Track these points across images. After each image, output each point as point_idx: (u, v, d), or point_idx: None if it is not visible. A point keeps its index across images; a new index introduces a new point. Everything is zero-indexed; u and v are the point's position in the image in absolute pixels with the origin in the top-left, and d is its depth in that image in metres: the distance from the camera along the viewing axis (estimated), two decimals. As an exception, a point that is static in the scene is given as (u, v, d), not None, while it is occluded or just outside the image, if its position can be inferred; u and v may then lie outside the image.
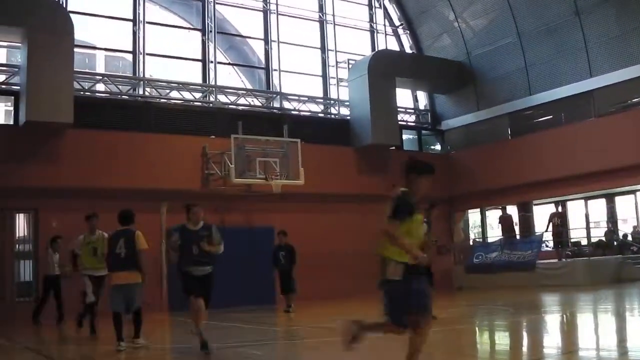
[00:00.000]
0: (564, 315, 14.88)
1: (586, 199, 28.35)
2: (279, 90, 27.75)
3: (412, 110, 31.91)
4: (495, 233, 29.80)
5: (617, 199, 28.18)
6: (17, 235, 20.95)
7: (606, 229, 28.30)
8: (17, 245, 20.88)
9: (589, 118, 25.85)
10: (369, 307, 17.13)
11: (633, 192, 27.07)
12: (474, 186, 28.38)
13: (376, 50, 30.19)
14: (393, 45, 31.41)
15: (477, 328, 13.31)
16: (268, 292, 23.19)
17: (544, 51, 27.19)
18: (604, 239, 27.75)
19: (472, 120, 30.24)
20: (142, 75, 24.64)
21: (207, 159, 23.29)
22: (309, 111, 28.53)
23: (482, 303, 19.58)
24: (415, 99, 32.12)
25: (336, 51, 29.34)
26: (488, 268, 26.25)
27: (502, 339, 11.72)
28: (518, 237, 28.40)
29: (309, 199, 24.87)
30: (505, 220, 28.35)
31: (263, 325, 16.84)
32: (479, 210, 31.15)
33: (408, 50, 31.79)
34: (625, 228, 28.35)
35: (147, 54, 24.82)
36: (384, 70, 27.43)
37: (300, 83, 28.81)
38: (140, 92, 24.55)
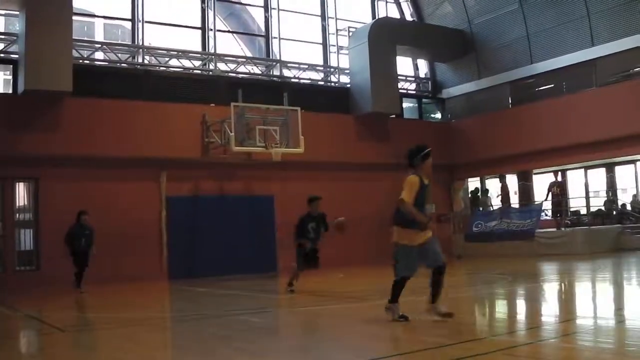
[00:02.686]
0: (562, 284, 14.93)
1: (586, 168, 28.36)
2: (278, 58, 27.62)
3: (413, 79, 31.81)
4: (495, 202, 29.86)
5: (617, 168, 28.21)
6: (18, 204, 20.97)
7: (606, 198, 28.34)
8: (17, 214, 20.91)
9: (590, 87, 25.76)
10: (366, 274, 17.13)
11: (633, 161, 27.09)
12: (474, 155, 28.39)
13: (377, 18, 30.00)
14: (394, 13, 31.23)
15: (475, 296, 13.35)
16: (269, 260, 23.29)
17: (546, 19, 27.04)
18: (603, 208, 27.80)
19: (473, 88, 30.16)
20: (141, 43, 24.51)
21: (207, 127, 23.26)
22: (309, 79, 28.44)
23: (480, 271, 19.64)
24: (416, 67, 32.00)
25: (336, 19, 29.18)
26: (487, 237, 26.30)
27: (500, 307, 11.77)
28: (517, 206, 28.45)
29: (309, 167, 24.88)
30: (502, 190, 28.48)
31: (263, 293, 16.90)
32: (478, 179, 31.15)
33: (409, 18, 31.61)
34: (624, 197, 28.39)
35: (146, 22, 24.69)
36: (384, 38, 27.30)
37: (300, 51, 28.67)
38: (140, 60, 24.45)
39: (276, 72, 27.51)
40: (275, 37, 27.70)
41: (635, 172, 27.61)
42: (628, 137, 23.15)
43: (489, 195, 30.17)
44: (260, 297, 15.79)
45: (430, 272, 8.98)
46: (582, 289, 14.18)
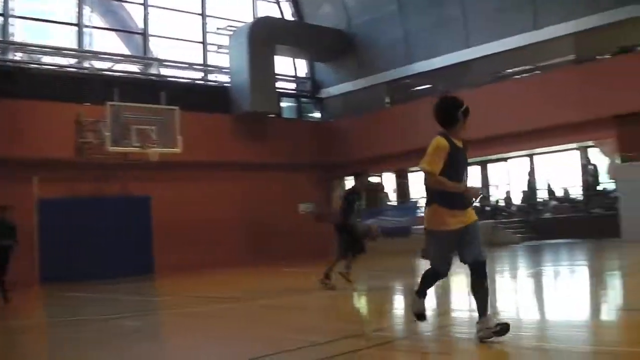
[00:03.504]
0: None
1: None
2: (156, 56, 27.18)
3: (292, 78, 31.94)
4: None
5: (490, 166, 29.14)
6: None
7: (480, 195, 29.21)
8: None
9: (465, 88, 26.46)
10: (244, 274, 16.95)
11: (505, 159, 28.05)
12: (352, 154, 28.69)
13: (257, 17, 29.94)
14: (275, 12, 31.23)
15: (353, 293, 13.50)
16: (145, 262, 22.87)
17: (424, 21, 27.65)
18: (477, 204, 28.66)
19: (352, 88, 30.54)
20: (12, 39, 23.60)
21: (81, 127, 22.59)
22: (188, 78, 28.11)
23: (358, 269, 19.86)
24: (295, 67, 32.12)
25: (216, 17, 28.96)
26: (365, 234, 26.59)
27: (379, 304, 11.93)
28: (395, 203, 28.97)
29: (187, 168, 24.63)
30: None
31: (139, 295, 16.58)
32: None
33: (289, 17, 31.69)
34: (497, 194, 29.36)
35: (17, 17, 23.76)
36: (264, 38, 27.28)
37: (179, 49, 28.30)
38: (11, 57, 23.53)
39: (154, 71, 27.06)
40: (153, 35, 27.25)
41: (508, 170, 28.67)
42: (501, 136, 23.92)
43: (384, 191, 30.59)
44: (135, 300, 15.46)
45: (468, 272, 7.07)
46: (456, 283, 14.54)
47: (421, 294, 7.33)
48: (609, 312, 9.11)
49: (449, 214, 6.71)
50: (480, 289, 6.82)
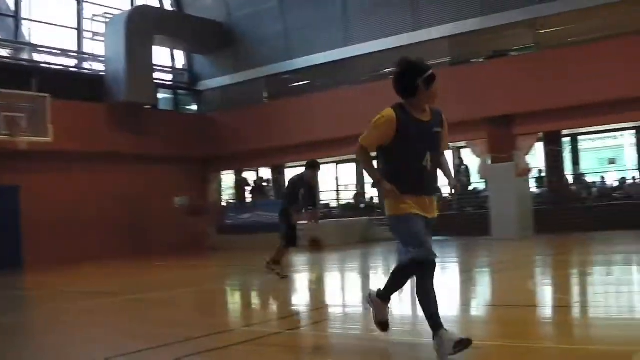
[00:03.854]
0: (314, 274, 15.38)
1: (337, 163, 29.49)
2: (29, 41, 26.18)
3: (170, 69, 31.42)
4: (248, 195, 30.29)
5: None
6: None
7: (355, 192, 29.63)
8: None
9: (344, 85, 26.76)
10: (118, 268, 16.63)
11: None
12: (229, 148, 28.54)
13: (135, 5, 29.29)
14: (153, 2, 30.61)
15: (228, 288, 13.43)
16: (13, 255, 22.03)
17: (304, 17, 27.70)
18: (352, 201, 29.07)
19: (230, 82, 30.32)
20: None
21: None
22: (61, 65, 27.20)
23: (235, 264, 19.81)
24: (173, 58, 31.62)
25: (93, 4, 28.13)
26: (241, 229, 26.54)
27: (253, 299, 11.90)
28: (272, 198, 29.01)
29: (59, 158, 23.80)
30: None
31: (4, 290, 15.91)
32: (233, 172, 31.44)
33: (169, 7, 31.15)
34: (372, 191, 29.82)
35: None
36: (142, 27, 26.71)
37: (52, 35, 27.31)
38: None
39: (25, 56, 26.04)
40: (25, 19, 26.20)
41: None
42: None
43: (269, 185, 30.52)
44: (6, 296, 14.84)
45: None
46: (332, 279, 14.70)
47: (385, 297, 6.30)
48: (478, 307, 9.36)
49: (408, 197, 5.70)
50: (425, 295, 5.80)
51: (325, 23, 27.14)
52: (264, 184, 30.42)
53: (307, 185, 13.06)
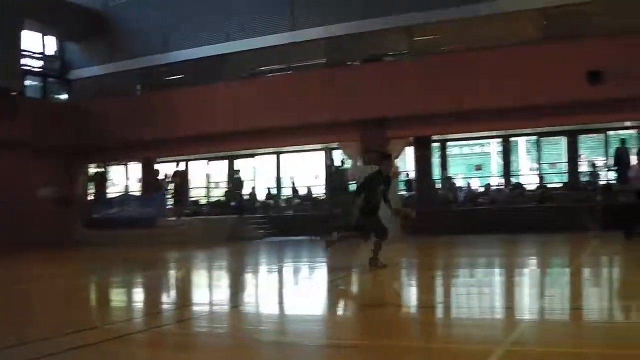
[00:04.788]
0: (180, 272, 15.17)
1: (208, 159, 29.23)
2: None
3: (40, 56, 30.25)
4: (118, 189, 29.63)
5: (237, 161, 29.45)
6: None
7: (226, 189, 29.46)
8: None
9: (221, 81, 26.48)
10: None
11: (252, 155, 28.48)
12: (100, 139, 27.67)
13: (3, -13, 28.05)
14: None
15: (92, 284, 13.06)
16: None
17: (184, 10, 27.26)
18: (223, 198, 28.87)
19: (104, 71, 29.46)
20: None
21: None
22: None
23: (100, 259, 19.31)
24: (44, 44, 30.47)
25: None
26: (109, 224, 25.93)
27: (119, 296, 11.61)
28: (140, 193, 28.50)
29: None
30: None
31: None
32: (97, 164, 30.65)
33: (40, -10, 29.95)
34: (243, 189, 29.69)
35: None
36: (10, 10, 25.58)
37: None
38: None
39: None
40: None
41: (255, 166, 29.16)
42: (248, 132, 24.20)
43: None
44: None
45: None
46: (199, 277, 14.52)
47: None
48: (346, 307, 9.43)
49: None
50: None
51: (205, 18, 26.81)
52: (162, 177, 29.59)
53: (386, 179, 12.75)
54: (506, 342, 6.06)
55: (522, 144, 28.07)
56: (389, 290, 10.60)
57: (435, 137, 25.92)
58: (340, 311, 9.09)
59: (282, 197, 29.14)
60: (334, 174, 25.93)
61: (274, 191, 29.46)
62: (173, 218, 25.73)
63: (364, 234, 12.84)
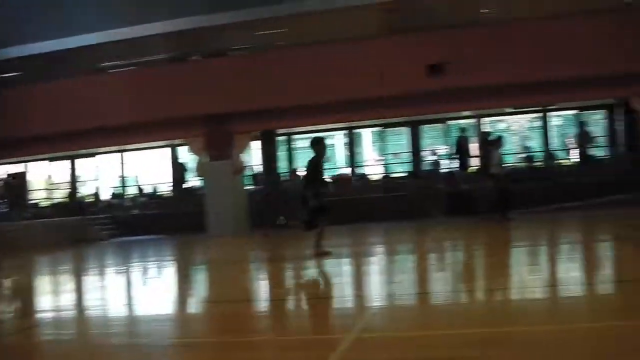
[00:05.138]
0: (20, 278, 14.47)
1: (50, 160, 28.13)
2: None
3: None
4: None
5: (79, 161, 28.49)
6: None
7: (69, 190, 28.46)
8: None
9: (61, 78, 25.36)
10: None
11: (93, 154, 27.61)
12: None
13: None
14: None
15: None
16: None
17: (18, 4, 25.89)
18: (66, 200, 27.86)
19: None
20: None
21: None
22: None
23: None
24: None
25: None
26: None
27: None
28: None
29: None
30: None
31: None
32: None
33: None
34: (85, 190, 28.84)
35: None
36: None
37: None
38: None
39: None
40: None
41: (97, 166, 28.29)
42: (93, 130, 23.33)
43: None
44: None
45: None
46: (39, 283, 13.87)
47: None
48: (196, 304, 9.27)
49: None
50: None
51: (43, 12, 25.55)
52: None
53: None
54: (355, 329, 6.06)
55: (367, 135, 28.62)
56: (238, 285, 10.45)
57: (280, 131, 25.99)
58: (189, 309, 8.87)
59: (127, 196, 28.42)
60: (180, 171, 25.59)
61: (118, 190, 28.68)
62: (11, 222, 24.55)
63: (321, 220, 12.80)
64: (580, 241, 14.39)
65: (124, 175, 29.03)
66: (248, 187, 24.78)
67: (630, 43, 19.45)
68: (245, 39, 24.70)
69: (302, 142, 29.14)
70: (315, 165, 12.83)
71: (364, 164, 28.05)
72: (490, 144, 20.11)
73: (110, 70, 25.70)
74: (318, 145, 13.09)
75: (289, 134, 27.22)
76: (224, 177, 21.88)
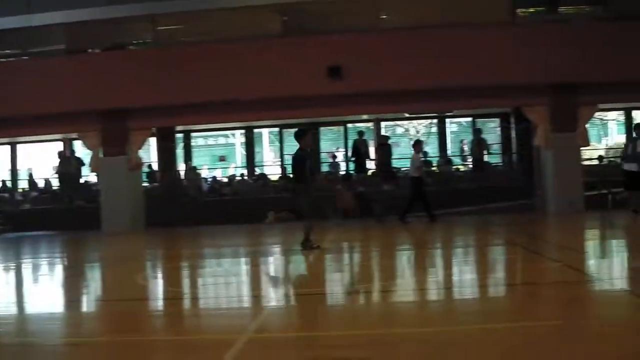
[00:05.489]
0: None
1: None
2: None
3: None
4: None
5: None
6: None
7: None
8: None
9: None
10: None
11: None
12: None
13: None
14: None
15: None
16: None
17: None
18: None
19: None
20: None
21: None
22: None
23: None
24: None
25: None
26: None
27: None
28: None
29: None
30: None
31: None
32: None
33: None
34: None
35: None
36: None
37: None
38: None
39: None
40: None
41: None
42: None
43: None
44: None
45: None
46: None
47: None
48: (87, 303, 9.09)
49: None
50: None
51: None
52: None
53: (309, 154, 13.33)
54: (249, 329, 6.07)
55: (266, 135, 28.64)
56: (131, 283, 10.26)
57: (179, 128, 25.70)
58: (80, 307, 8.67)
59: (19, 191, 27.51)
60: (72, 165, 24.95)
61: (9, 184, 27.73)
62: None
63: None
64: (469, 245, 14.78)
65: (16, 169, 28.10)
66: (145, 185, 24.38)
67: (522, 56, 20.10)
68: (146, 33, 24.26)
69: (201, 140, 28.95)
70: (302, 160, 12.78)
71: (262, 164, 28.02)
72: (382, 146, 20.39)
73: (2, 60, 24.79)
74: (303, 136, 12.98)
75: (187, 132, 26.92)
76: (119, 174, 21.47)
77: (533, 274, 9.20)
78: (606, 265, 10.14)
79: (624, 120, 27.31)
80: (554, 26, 21.08)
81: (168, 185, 24.63)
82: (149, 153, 26.45)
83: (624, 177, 18.35)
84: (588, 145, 22.12)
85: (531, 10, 21.93)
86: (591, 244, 13.86)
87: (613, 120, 29.00)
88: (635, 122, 24.31)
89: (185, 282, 10.80)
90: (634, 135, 18.66)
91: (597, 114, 24.24)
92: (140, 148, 22.89)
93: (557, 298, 7.21)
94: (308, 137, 13.13)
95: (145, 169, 25.12)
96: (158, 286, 10.51)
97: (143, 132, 22.82)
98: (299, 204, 12.89)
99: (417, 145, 20.14)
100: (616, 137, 28.90)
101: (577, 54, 19.86)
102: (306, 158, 12.89)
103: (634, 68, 19.66)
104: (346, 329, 6.14)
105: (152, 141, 25.38)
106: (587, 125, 21.80)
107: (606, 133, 29.55)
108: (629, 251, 11.94)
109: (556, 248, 12.67)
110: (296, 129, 13.87)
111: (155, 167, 26.23)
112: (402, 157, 25.78)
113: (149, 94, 21.40)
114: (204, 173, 27.06)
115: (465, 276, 9.67)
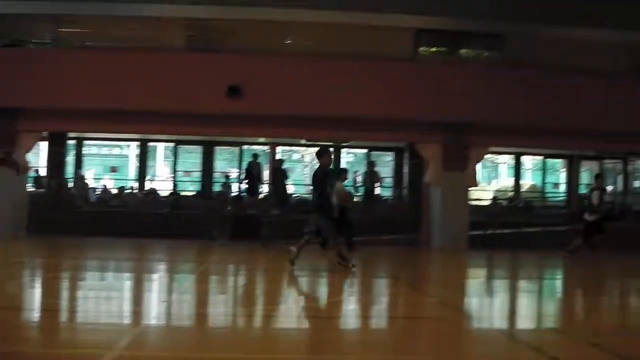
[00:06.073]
0: None
1: None
2: None
3: None
4: None
5: None
6: None
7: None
8: None
9: None
10: None
11: None
12: None
13: None
14: None
15: None
16: None
17: None
18: None
19: None
20: None
21: None
22: None
23: None
24: None
25: None
26: None
27: None
28: None
29: None
30: None
31: None
32: None
33: None
34: None
35: None
36: None
37: None
38: None
39: None
40: None
41: None
42: None
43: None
44: None
45: None
46: None
47: None
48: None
49: None
50: None
51: None
52: None
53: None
54: (118, 346, 5.99)
55: (161, 149, 28.27)
56: (7, 292, 9.87)
57: (72, 135, 25.09)
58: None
59: None
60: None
61: None
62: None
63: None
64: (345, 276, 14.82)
65: None
66: (30, 189, 23.59)
67: (419, 93, 20.57)
68: (46, 33, 23.60)
69: (94, 149, 28.31)
70: (324, 177, 13.13)
71: (155, 178, 27.62)
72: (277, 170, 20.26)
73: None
74: (324, 156, 13.35)
75: (80, 139, 26.25)
76: (3, 176, 20.67)
77: (407, 309, 9.39)
78: (478, 303, 10.44)
79: (513, 164, 28.31)
80: (452, 67, 21.63)
81: (54, 192, 23.93)
82: (38, 157, 25.67)
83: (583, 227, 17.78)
84: (476, 185, 22.68)
85: (433, 49, 22.45)
86: (467, 282, 14.21)
87: (504, 163, 30.02)
88: (523, 166, 25.09)
89: (64, 295, 10.50)
90: (594, 184, 18.45)
91: (488, 156, 25.00)
92: (28, 151, 22.16)
93: (428, 332, 7.37)
94: (328, 156, 13.52)
95: (32, 173, 24.34)
96: (35, 296, 10.16)
97: (33, 135, 22.08)
98: (320, 225, 13.06)
99: (343, 174, 18.71)
100: (505, 179, 29.91)
101: (472, 95, 20.46)
102: (327, 174, 13.32)
103: (525, 113, 20.47)
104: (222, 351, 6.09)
105: (44, 145, 24.64)
106: (477, 166, 22.47)
107: (497, 175, 30.54)
108: (503, 290, 12.33)
109: (433, 284, 12.95)
110: (318, 148, 14.20)
111: (43, 172, 25.44)
112: (296, 183, 25.88)
113: (41, 95, 20.65)
114: (94, 183, 26.41)
115: (337, 307, 9.74)
